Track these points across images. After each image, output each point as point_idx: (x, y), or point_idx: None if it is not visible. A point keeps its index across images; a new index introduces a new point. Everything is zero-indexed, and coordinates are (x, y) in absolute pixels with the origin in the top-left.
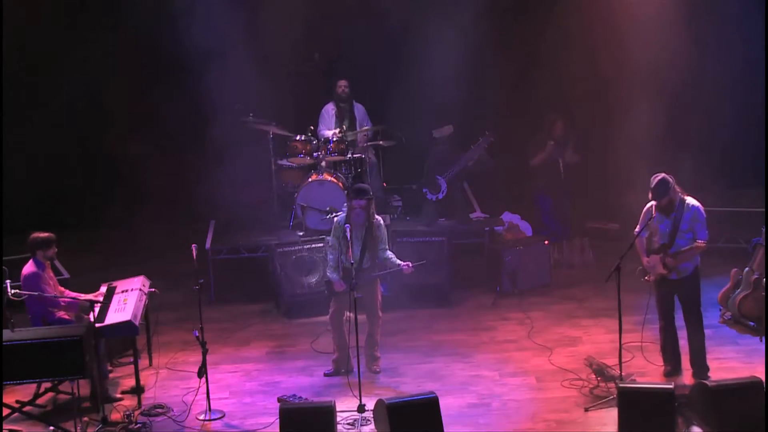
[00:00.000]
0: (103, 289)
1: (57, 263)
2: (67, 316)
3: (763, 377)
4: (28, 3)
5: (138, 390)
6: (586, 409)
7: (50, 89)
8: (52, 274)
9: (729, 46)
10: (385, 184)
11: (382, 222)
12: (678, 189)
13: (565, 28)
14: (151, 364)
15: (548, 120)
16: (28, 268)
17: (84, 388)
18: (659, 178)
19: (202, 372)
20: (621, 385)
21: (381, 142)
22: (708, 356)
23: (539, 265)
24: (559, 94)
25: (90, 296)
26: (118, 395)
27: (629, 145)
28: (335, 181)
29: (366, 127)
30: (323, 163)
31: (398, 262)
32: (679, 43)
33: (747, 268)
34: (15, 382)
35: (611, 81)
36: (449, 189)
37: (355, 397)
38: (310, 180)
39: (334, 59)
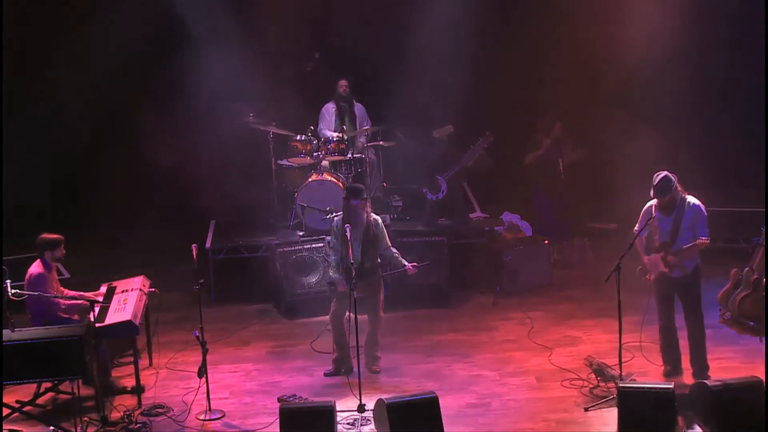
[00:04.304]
0: (103, 289)
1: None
2: (68, 315)
3: (763, 377)
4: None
5: (138, 390)
6: (586, 409)
7: (47, 89)
8: (56, 276)
9: (731, 46)
10: (385, 184)
11: (380, 220)
12: (679, 187)
13: (566, 28)
14: (151, 364)
15: (547, 121)
16: (36, 268)
17: (86, 388)
18: (662, 176)
19: (202, 372)
20: (621, 385)
21: (381, 142)
22: (708, 356)
23: (539, 265)
24: (559, 95)
25: (90, 295)
26: (119, 387)
27: (629, 144)
28: (335, 181)
29: (366, 127)
30: (323, 163)
31: (403, 262)
32: (680, 42)
33: (747, 268)
34: (15, 382)
35: (612, 81)
36: (449, 189)
37: (355, 397)
38: (310, 180)
39: (315, 59)
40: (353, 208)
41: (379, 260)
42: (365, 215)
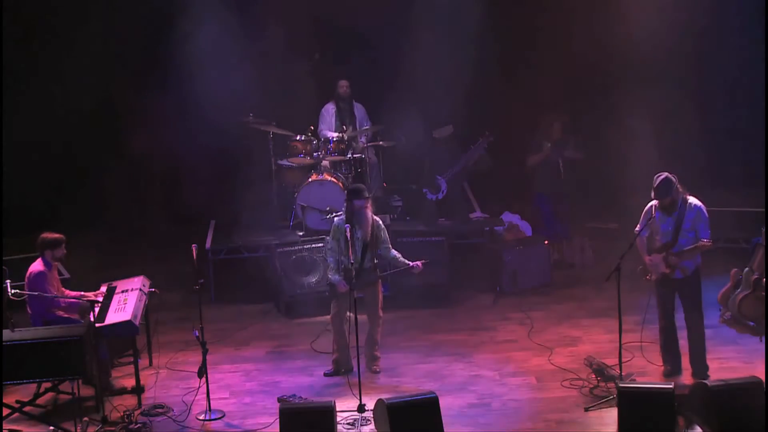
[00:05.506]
0: (104, 288)
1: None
2: (67, 315)
3: (763, 377)
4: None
5: (138, 390)
6: (586, 409)
7: (47, 91)
8: (56, 275)
9: (731, 44)
10: (385, 184)
11: (380, 222)
12: (680, 188)
13: (566, 26)
14: (151, 364)
15: (546, 121)
16: (36, 266)
17: (86, 388)
18: (662, 177)
19: (202, 372)
20: (621, 385)
21: (381, 142)
22: (708, 356)
23: (539, 265)
24: (559, 94)
25: (90, 294)
26: (118, 388)
27: (629, 144)
28: (335, 181)
29: (366, 127)
30: (323, 163)
31: (406, 261)
32: (680, 41)
33: (747, 268)
34: (15, 382)
35: (612, 80)
36: (449, 189)
37: (355, 397)
38: (310, 180)
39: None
40: (357, 208)
41: (376, 261)
42: (369, 214)
